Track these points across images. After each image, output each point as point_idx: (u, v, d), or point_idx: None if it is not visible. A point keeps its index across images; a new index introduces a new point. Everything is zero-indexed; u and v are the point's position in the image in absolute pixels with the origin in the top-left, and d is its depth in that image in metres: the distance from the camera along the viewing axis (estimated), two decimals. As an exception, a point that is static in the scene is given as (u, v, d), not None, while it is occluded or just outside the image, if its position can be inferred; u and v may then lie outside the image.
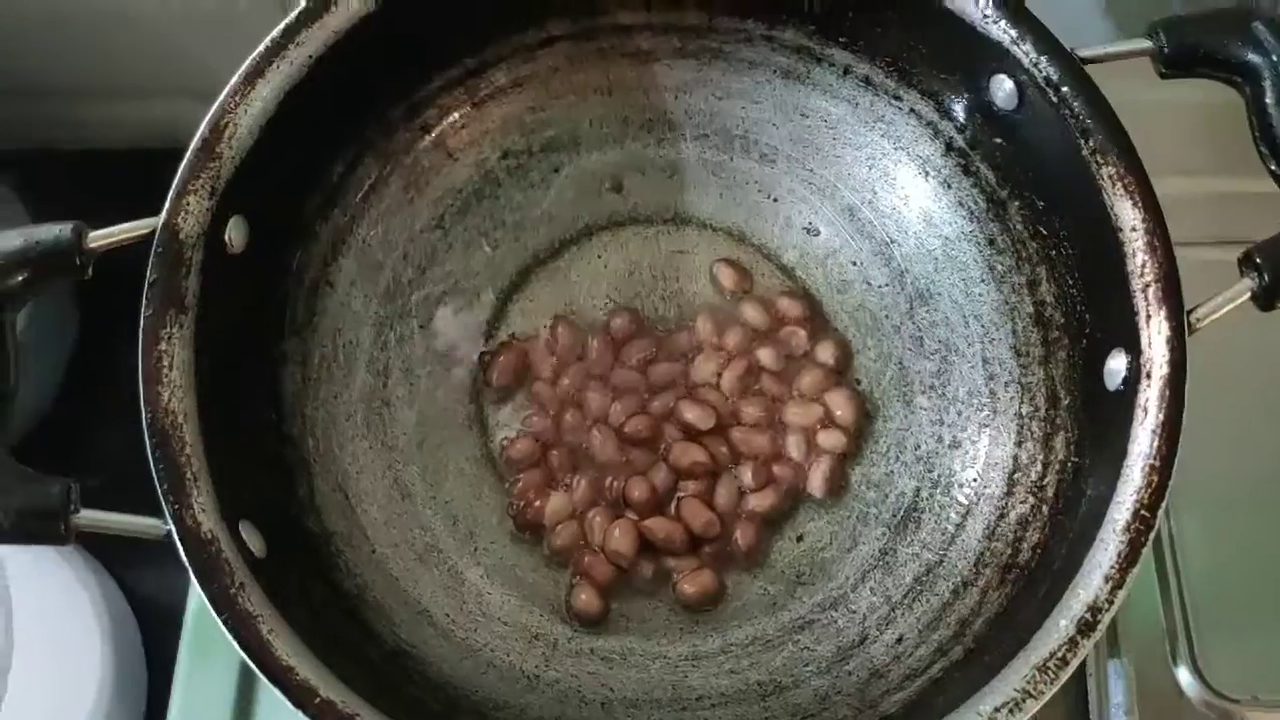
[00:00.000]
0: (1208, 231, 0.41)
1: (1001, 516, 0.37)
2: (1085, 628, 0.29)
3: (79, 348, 0.57)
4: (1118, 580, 0.29)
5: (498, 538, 0.40)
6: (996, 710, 0.28)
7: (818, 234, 0.44)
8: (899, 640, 0.36)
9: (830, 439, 0.41)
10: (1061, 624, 0.29)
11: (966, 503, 0.38)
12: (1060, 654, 0.29)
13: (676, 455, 0.40)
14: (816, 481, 0.40)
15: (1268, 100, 0.34)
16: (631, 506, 0.39)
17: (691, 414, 0.40)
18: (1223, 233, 0.38)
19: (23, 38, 0.54)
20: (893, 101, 0.42)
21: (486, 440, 0.41)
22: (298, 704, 0.29)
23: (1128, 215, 0.33)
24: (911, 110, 0.42)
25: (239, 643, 0.29)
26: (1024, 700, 0.28)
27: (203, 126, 0.35)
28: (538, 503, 0.40)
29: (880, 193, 0.43)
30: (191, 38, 0.54)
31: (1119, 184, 0.34)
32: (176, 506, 0.31)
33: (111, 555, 0.54)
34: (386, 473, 0.40)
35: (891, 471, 0.40)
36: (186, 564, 0.30)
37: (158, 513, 0.31)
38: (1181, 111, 0.46)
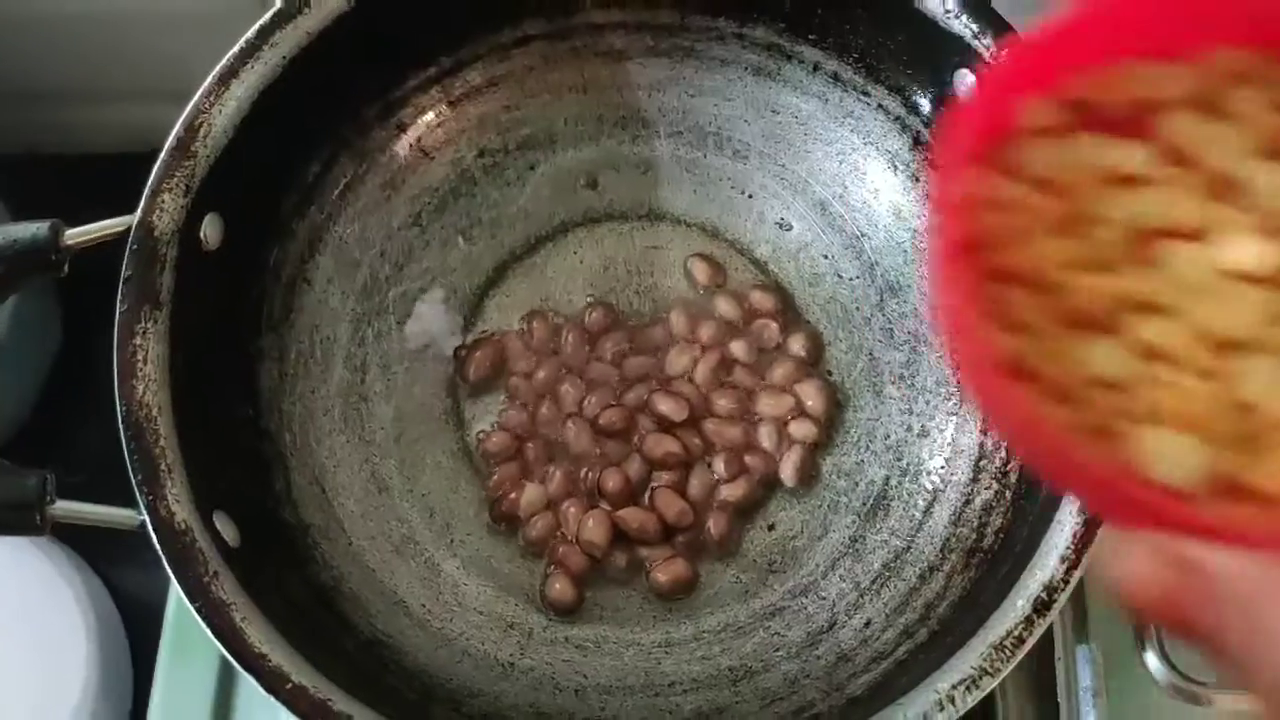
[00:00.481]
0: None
1: (967, 502, 0.38)
2: (1041, 607, 0.29)
3: (61, 348, 0.57)
4: (1073, 560, 0.30)
5: (474, 529, 0.40)
6: (954, 688, 0.29)
7: (790, 229, 0.44)
8: (867, 624, 0.37)
9: (802, 429, 0.41)
10: (1019, 604, 0.29)
11: (934, 490, 0.39)
12: (1017, 632, 0.29)
13: (650, 446, 0.41)
14: (788, 471, 0.41)
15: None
16: (605, 497, 0.40)
17: (665, 406, 0.41)
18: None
19: (3, 42, 0.55)
20: (861, 97, 0.42)
21: (463, 434, 0.42)
22: (270, 690, 0.29)
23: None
24: (879, 105, 0.42)
25: (212, 630, 0.30)
26: (981, 678, 0.29)
27: (177, 126, 0.36)
28: (513, 495, 0.40)
29: (851, 187, 0.44)
30: (174, 42, 0.54)
31: (1077, 175, 0.34)
32: (151, 497, 0.31)
33: (96, 552, 0.55)
34: (364, 466, 0.40)
35: (862, 460, 0.41)
36: (160, 553, 0.31)
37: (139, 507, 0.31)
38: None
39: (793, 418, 0.41)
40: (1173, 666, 0.41)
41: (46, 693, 0.50)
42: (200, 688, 0.43)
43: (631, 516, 0.40)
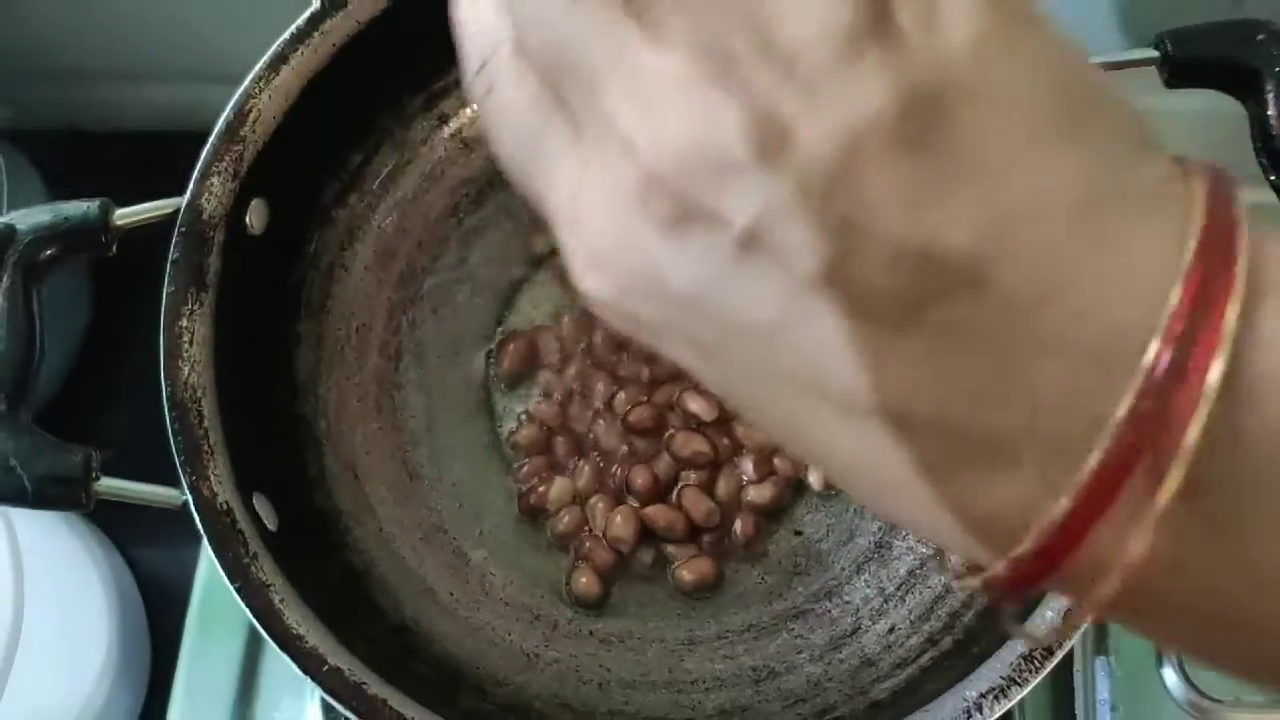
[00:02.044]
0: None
1: (995, 512, 0.38)
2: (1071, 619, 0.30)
3: (92, 324, 0.58)
4: (1105, 575, 0.30)
5: (502, 521, 0.41)
6: (982, 696, 0.29)
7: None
8: (891, 630, 0.37)
9: (830, 434, 0.41)
10: (1048, 615, 0.30)
11: (961, 499, 0.39)
12: (1045, 643, 0.29)
13: (679, 445, 0.41)
14: (815, 474, 0.41)
15: (1270, 113, 0.35)
16: (633, 494, 0.40)
17: (695, 405, 0.41)
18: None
19: (48, 20, 0.55)
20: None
21: (494, 425, 0.42)
22: (306, 671, 0.30)
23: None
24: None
25: (251, 610, 0.30)
26: (1009, 688, 0.29)
27: (228, 110, 0.36)
28: (542, 488, 0.41)
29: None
30: (215, 22, 0.54)
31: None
32: (194, 477, 0.31)
33: (117, 530, 0.55)
34: (396, 454, 0.41)
35: (889, 467, 0.41)
36: (202, 533, 0.31)
37: (167, 485, 0.32)
38: (1188, 122, 0.46)
39: (822, 422, 0.41)
40: (1190, 683, 0.42)
41: (67, 667, 0.50)
42: (225, 667, 0.44)
43: (659, 514, 0.40)
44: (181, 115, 0.50)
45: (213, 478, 0.32)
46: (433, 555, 0.39)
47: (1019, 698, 0.29)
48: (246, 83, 0.36)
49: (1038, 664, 0.29)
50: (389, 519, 0.39)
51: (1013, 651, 0.30)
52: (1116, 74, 0.36)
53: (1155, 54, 0.36)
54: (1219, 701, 0.41)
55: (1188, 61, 0.36)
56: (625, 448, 0.41)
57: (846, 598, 0.39)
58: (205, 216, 0.34)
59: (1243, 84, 0.35)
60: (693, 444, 0.41)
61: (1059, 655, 0.29)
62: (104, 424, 0.57)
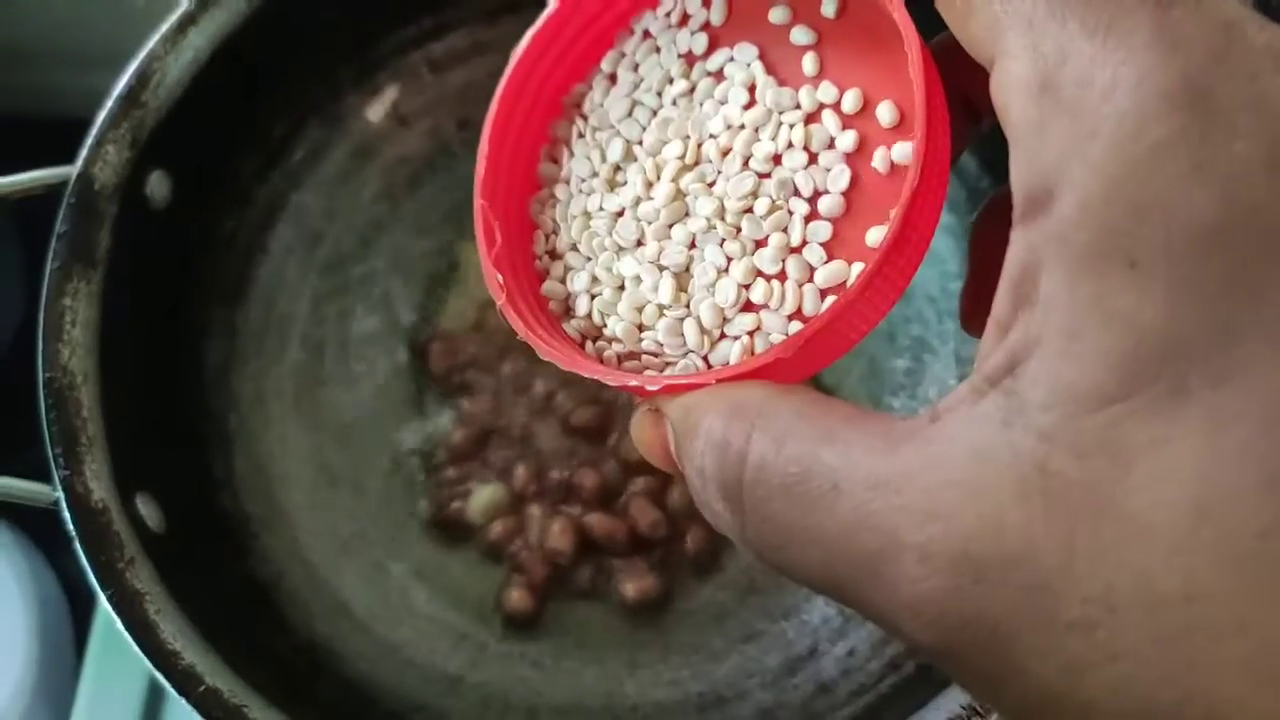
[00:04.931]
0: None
1: (966, 525, 0.35)
2: (1045, 644, 0.26)
3: (23, 321, 0.55)
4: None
5: (430, 531, 0.37)
6: (942, 729, 0.26)
7: (789, 225, 0.42)
8: (850, 654, 0.34)
9: (791, 439, 0.38)
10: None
11: (930, 511, 0.36)
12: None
13: (627, 448, 0.38)
14: (774, 484, 0.38)
15: None
16: (578, 499, 0.37)
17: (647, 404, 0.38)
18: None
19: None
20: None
21: (424, 426, 0.39)
22: (180, 691, 0.26)
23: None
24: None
25: (122, 621, 0.27)
26: (970, 717, 0.26)
27: (128, 74, 0.33)
28: (457, 503, 0.37)
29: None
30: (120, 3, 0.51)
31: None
32: (67, 472, 0.28)
33: (41, 534, 0.52)
34: (314, 456, 0.38)
35: (853, 476, 0.38)
36: (73, 534, 0.28)
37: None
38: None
39: (782, 426, 0.38)
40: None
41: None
42: (131, 682, 0.40)
43: (598, 523, 0.37)
44: (89, 102, 0.47)
45: (88, 473, 0.28)
46: (351, 566, 0.36)
47: (984, 731, 0.26)
48: (150, 44, 0.33)
49: (1007, 694, 0.26)
50: (303, 526, 0.36)
51: (979, 679, 0.26)
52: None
53: None
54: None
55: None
56: (566, 451, 0.38)
57: (805, 617, 0.36)
58: (98, 187, 0.31)
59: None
60: (641, 448, 0.38)
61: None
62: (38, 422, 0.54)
